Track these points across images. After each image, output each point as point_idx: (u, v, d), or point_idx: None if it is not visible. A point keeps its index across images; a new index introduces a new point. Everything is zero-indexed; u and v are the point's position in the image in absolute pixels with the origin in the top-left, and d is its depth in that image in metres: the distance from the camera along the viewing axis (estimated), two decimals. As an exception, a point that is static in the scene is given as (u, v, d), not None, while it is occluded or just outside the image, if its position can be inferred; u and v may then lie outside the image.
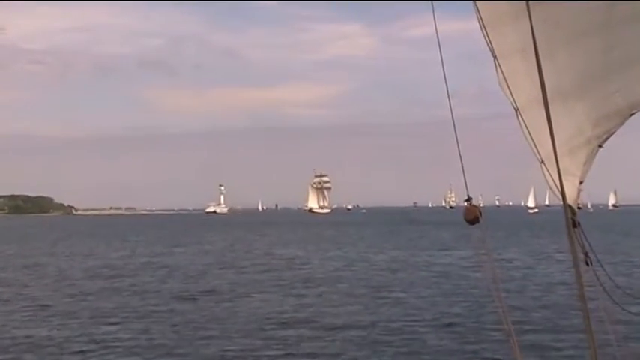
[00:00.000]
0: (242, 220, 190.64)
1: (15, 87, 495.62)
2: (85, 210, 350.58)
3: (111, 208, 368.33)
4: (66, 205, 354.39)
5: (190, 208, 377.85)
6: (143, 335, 23.13)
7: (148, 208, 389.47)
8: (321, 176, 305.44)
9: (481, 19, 4.54)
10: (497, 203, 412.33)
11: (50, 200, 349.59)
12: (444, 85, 4.80)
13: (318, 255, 56.83)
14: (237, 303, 30.49)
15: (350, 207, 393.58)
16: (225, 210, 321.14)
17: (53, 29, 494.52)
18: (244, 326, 24.61)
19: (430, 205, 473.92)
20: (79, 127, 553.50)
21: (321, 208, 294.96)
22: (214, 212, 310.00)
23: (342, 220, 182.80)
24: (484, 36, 4.61)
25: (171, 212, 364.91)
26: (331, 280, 38.37)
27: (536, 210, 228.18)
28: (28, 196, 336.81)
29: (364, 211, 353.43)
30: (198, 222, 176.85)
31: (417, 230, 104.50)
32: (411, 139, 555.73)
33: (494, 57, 4.75)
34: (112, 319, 26.68)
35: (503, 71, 4.77)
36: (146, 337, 22.72)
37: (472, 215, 4.77)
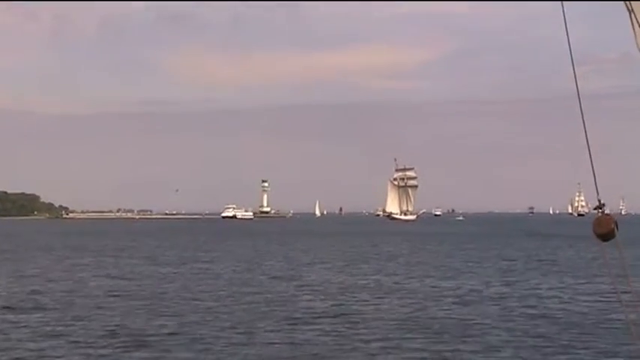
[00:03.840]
0: (279, 228, 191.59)
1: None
2: (82, 212, 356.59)
3: (119, 211, 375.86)
4: (57, 205, 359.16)
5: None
6: None
7: (167, 211, 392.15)
8: (405, 170, 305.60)
9: None
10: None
11: (35, 199, 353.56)
12: (568, 48, 5.21)
13: (354, 280, 56.63)
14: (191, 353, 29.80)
15: (439, 212, 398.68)
16: (249, 214, 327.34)
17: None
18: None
19: (551, 212, 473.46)
20: (78, 102, 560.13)
21: (404, 213, 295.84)
22: (234, 217, 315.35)
23: (426, 230, 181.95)
24: None
25: (197, 217, 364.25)
26: (346, 317, 37.75)
27: None
28: (6, 193, 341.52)
29: (461, 218, 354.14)
30: (214, 229, 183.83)
31: (525, 245, 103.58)
32: (525, 122, 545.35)
33: (630, 11, 5.01)
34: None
35: None
36: None
37: (605, 228, 4.93)
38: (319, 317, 37.81)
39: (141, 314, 39.10)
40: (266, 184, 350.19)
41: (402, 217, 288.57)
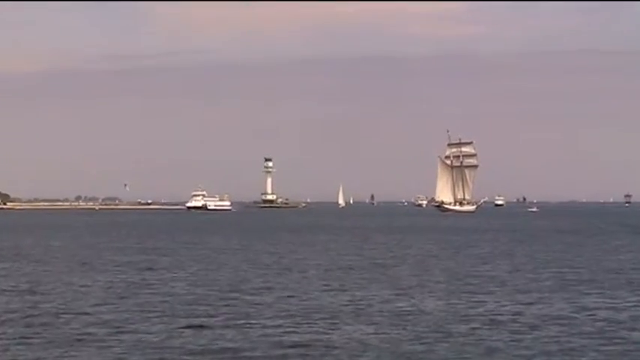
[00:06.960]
0: (276, 222, 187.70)
1: None
2: (28, 201, 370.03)
3: (78, 199, 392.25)
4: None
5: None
6: None
7: (140, 200, 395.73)
8: (460, 145, 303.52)
9: None
10: None
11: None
12: None
13: (336, 298, 53.92)
14: None
15: (501, 201, 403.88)
16: (226, 203, 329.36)
17: None
18: None
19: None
20: (27, 57, 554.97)
21: (459, 202, 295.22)
22: (203, 207, 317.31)
23: (485, 225, 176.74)
24: None
25: (179, 207, 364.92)
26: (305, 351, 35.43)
27: None
28: None
29: (534, 209, 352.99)
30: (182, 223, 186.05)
31: (620, 247, 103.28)
32: (622, 82, 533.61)
33: None
34: None
35: None
36: None
37: None
38: (270, 350, 35.29)
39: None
40: (270, 164, 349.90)
41: (457, 207, 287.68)
